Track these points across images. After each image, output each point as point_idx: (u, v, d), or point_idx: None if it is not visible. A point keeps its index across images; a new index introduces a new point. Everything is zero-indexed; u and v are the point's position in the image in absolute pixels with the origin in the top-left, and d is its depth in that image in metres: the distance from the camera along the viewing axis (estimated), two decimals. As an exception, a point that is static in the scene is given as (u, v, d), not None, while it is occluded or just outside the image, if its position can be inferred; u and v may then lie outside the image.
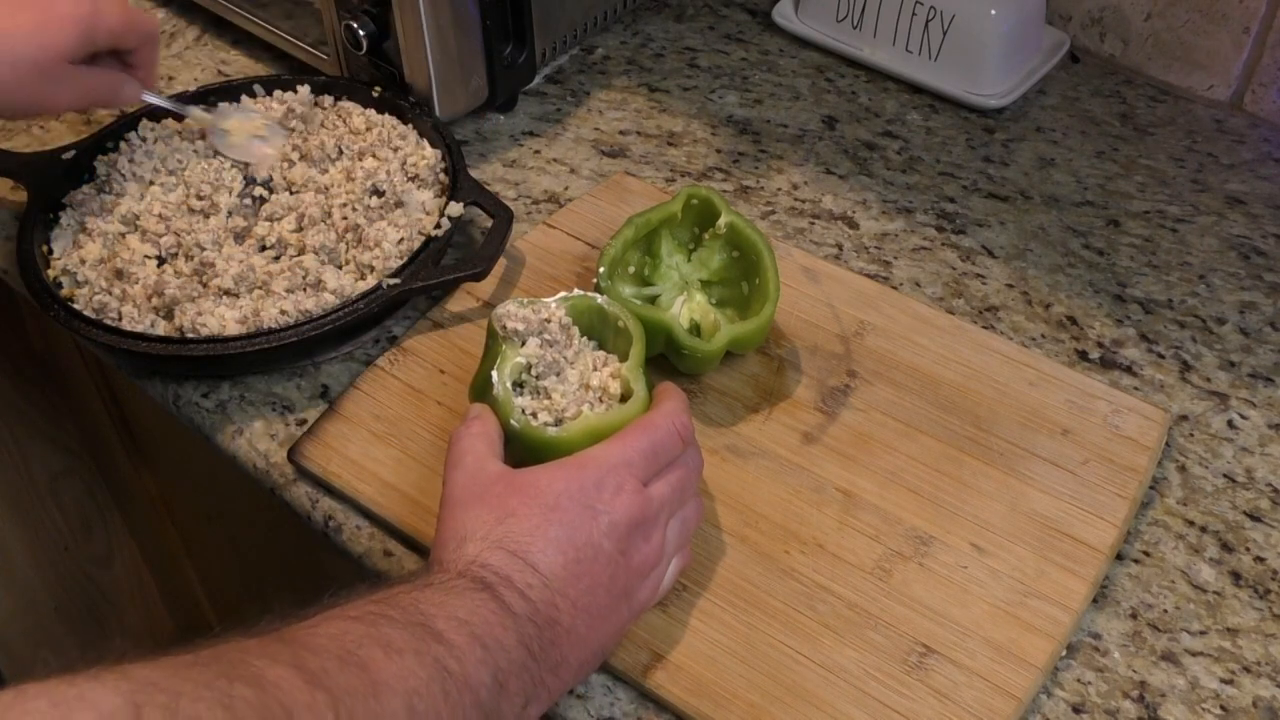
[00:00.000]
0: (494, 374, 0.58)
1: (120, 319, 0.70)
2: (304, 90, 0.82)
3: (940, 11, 0.88)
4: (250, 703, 0.39)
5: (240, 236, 0.74)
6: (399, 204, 0.74)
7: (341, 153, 0.79)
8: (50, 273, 0.72)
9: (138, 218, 0.75)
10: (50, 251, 0.73)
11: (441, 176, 0.77)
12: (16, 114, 0.72)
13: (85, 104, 0.72)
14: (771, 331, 0.71)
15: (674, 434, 0.56)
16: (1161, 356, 0.73)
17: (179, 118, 0.80)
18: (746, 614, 0.59)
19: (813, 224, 0.81)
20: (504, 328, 0.59)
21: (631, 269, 0.70)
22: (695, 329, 0.69)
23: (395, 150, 0.78)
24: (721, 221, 0.69)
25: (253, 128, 0.79)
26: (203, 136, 0.80)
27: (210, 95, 0.82)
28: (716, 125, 0.89)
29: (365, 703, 0.42)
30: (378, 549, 0.64)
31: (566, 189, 0.84)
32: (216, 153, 0.78)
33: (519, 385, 0.59)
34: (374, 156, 0.78)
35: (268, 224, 0.74)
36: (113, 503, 1.21)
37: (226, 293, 0.70)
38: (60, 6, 0.67)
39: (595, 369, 0.60)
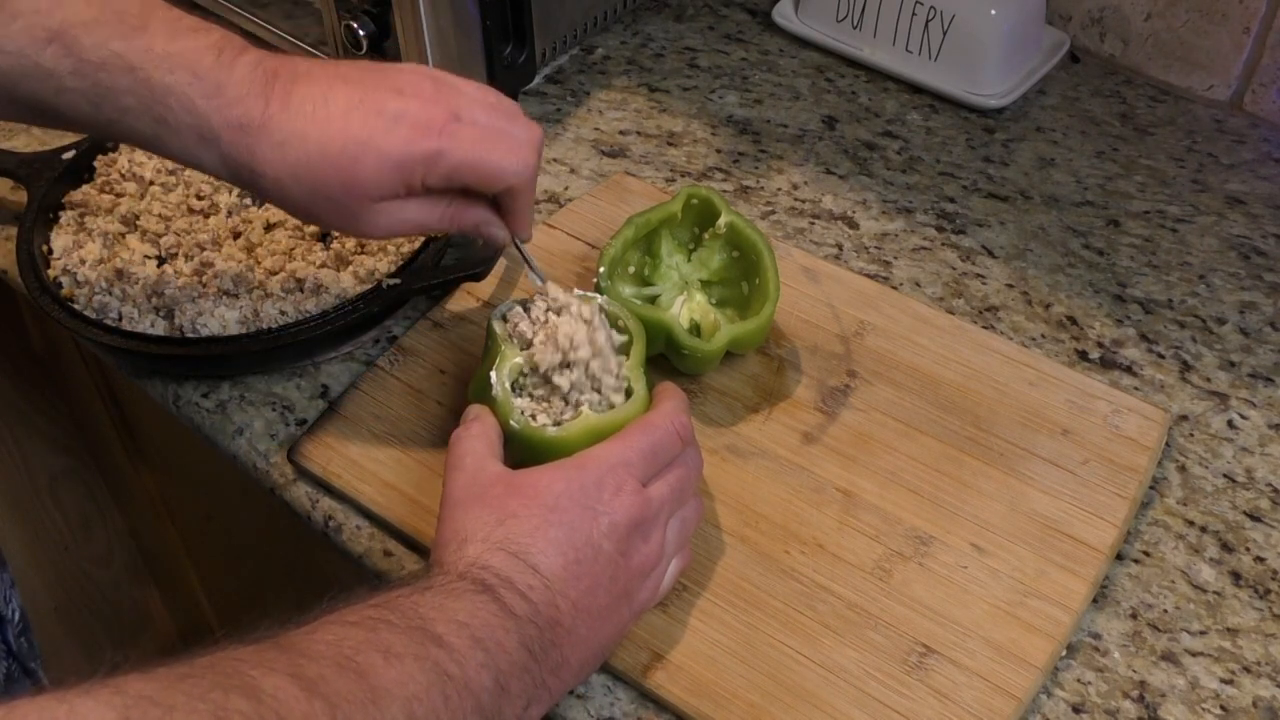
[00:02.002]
0: (493, 375, 0.58)
1: (120, 319, 0.70)
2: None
3: (940, 11, 0.88)
4: (246, 714, 0.38)
5: (240, 235, 0.74)
6: None
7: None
8: (50, 273, 0.72)
9: (138, 218, 0.75)
10: (50, 251, 0.73)
11: (441, 176, 0.77)
12: (375, 226, 0.58)
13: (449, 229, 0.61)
14: (771, 331, 0.71)
15: (674, 434, 0.56)
16: (1161, 356, 0.73)
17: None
18: (746, 614, 0.59)
19: (813, 224, 0.81)
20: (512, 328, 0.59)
21: (631, 269, 0.70)
22: (695, 329, 0.69)
23: None
24: (721, 221, 0.69)
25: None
26: None
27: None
28: (716, 125, 0.89)
29: (364, 710, 0.42)
30: (378, 549, 0.64)
31: (566, 189, 0.84)
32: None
33: (518, 386, 0.59)
34: None
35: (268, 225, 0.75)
36: (113, 503, 1.21)
37: (226, 293, 0.70)
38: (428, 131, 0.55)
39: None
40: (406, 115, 0.55)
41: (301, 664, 0.41)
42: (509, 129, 0.58)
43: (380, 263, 0.71)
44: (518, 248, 0.64)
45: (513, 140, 0.58)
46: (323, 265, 0.72)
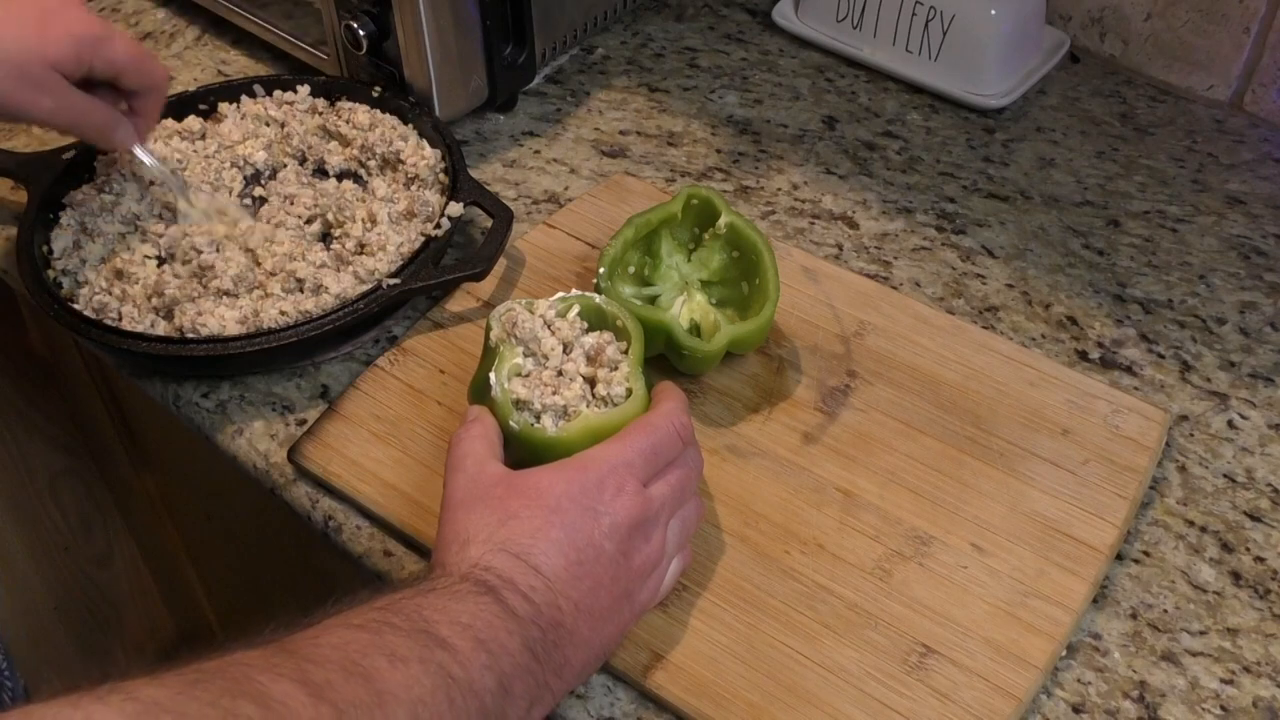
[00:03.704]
0: (492, 375, 0.58)
1: (120, 319, 0.70)
2: (304, 90, 0.82)
3: (940, 11, 0.88)
4: None
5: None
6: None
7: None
8: (50, 273, 0.72)
9: (138, 218, 0.75)
10: (50, 251, 0.73)
11: (441, 176, 0.77)
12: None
13: (70, 124, 0.69)
14: (771, 331, 0.71)
15: (674, 434, 0.56)
16: (1161, 356, 0.73)
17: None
18: (746, 614, 0.59)
19: (813, 224, 0.81)
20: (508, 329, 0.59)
21: (631, 269, 0.70)
22: (695, 329, 0.69)
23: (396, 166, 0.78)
24: (721, 221, 0.69)
25: (218, 206, 0.77)
26: (203, 136, 0.80)
27: (210, 95, 0.82)
28: (716, 125, 0.89)
29: (370, 714, 0.42)
30: (378, 549, 0.64)
31: (566, 189, 0.84)
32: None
33: (521, 404, 0.59)
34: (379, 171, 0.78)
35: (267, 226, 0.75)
36: (113, 503, 1.21)
37: (226, 293, 0.70)
38: (66, 17, 0.66)
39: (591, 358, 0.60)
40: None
41: (308, 669, 0.42)
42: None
43: (380, 263, 0.71)
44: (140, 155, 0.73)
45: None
46: (322, 265, 0.72)
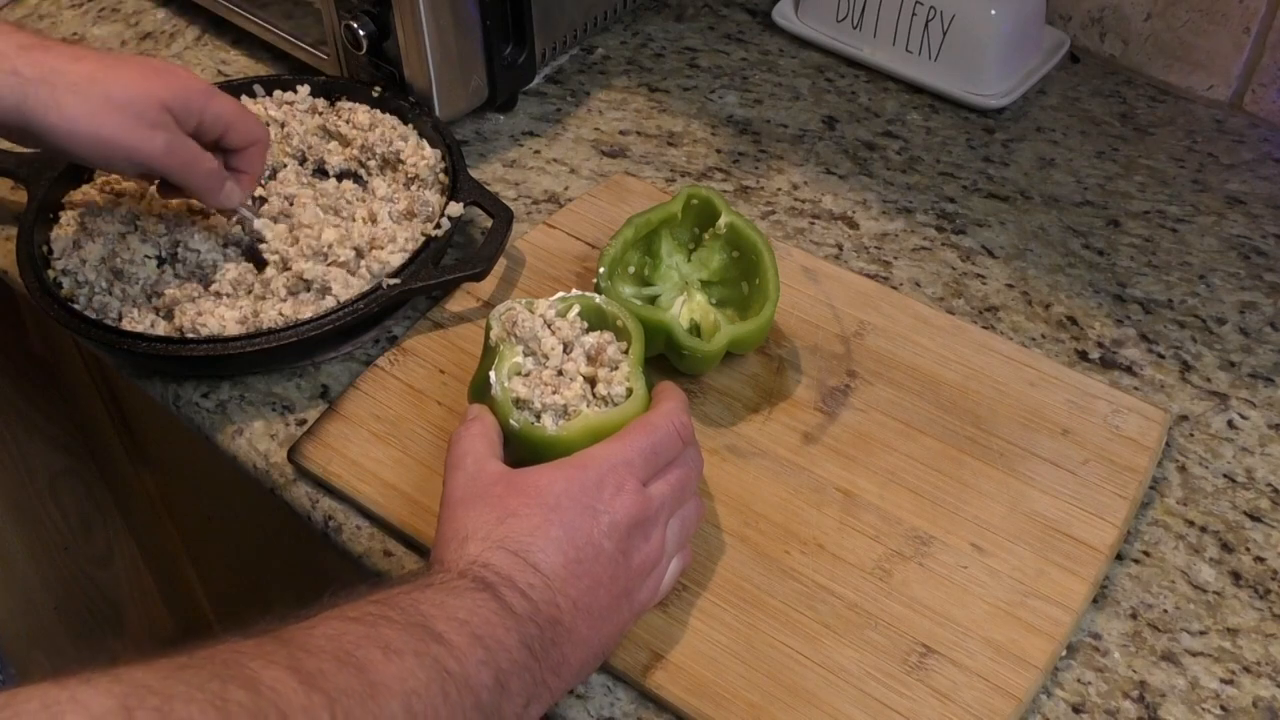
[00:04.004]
0: (492, 374, 0.58)
1: (120, 319, 0.70)
2: (304, 90, 0.82)
3: (940, 11, 0.88)
4: (244, 705, 0.38)
5: (239, 240, 0.74)
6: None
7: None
8: (50, 273, 0.72)
9: (138, 218, 0.75)
10: (50, 251, 0.73)
11: (441, 176, 0.77)
12: (104, 153, 0.65)
13: (183, 166, 0.67)
14: (771, 331, 0.71)
15: (674, 434, 0.56)
16: (1161, 356, 0.73)
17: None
18: (746, 614, 0.59)
19: (813, 224, 0.81)
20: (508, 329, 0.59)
21: (631, 269, 0.70)
22: (695, 329, 0.69)
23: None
24: (721, 221, 0.69)
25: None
26: None
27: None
28: (716, 125, 0.89)
29: (363, 704, 0.42)
30: (378, 549, 0.64)
31: (566, 189, 0.84)
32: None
33: (521, 404, 0.59)
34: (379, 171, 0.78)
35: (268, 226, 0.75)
36: (113, 503, 1.21)
37: (226, 293, 0.70)
38: (175, 71, 0.66)
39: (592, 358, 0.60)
40: None
41: (301, 657, 0.42)
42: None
43: (380, 263, 0.71)
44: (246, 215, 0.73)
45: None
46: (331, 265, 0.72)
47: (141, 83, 0.64)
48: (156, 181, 0.72)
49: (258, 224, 0.73)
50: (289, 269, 0.71)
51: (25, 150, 0.80)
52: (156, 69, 0.66)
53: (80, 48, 0.66)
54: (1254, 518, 0.65)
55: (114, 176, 0.77)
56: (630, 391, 0.59)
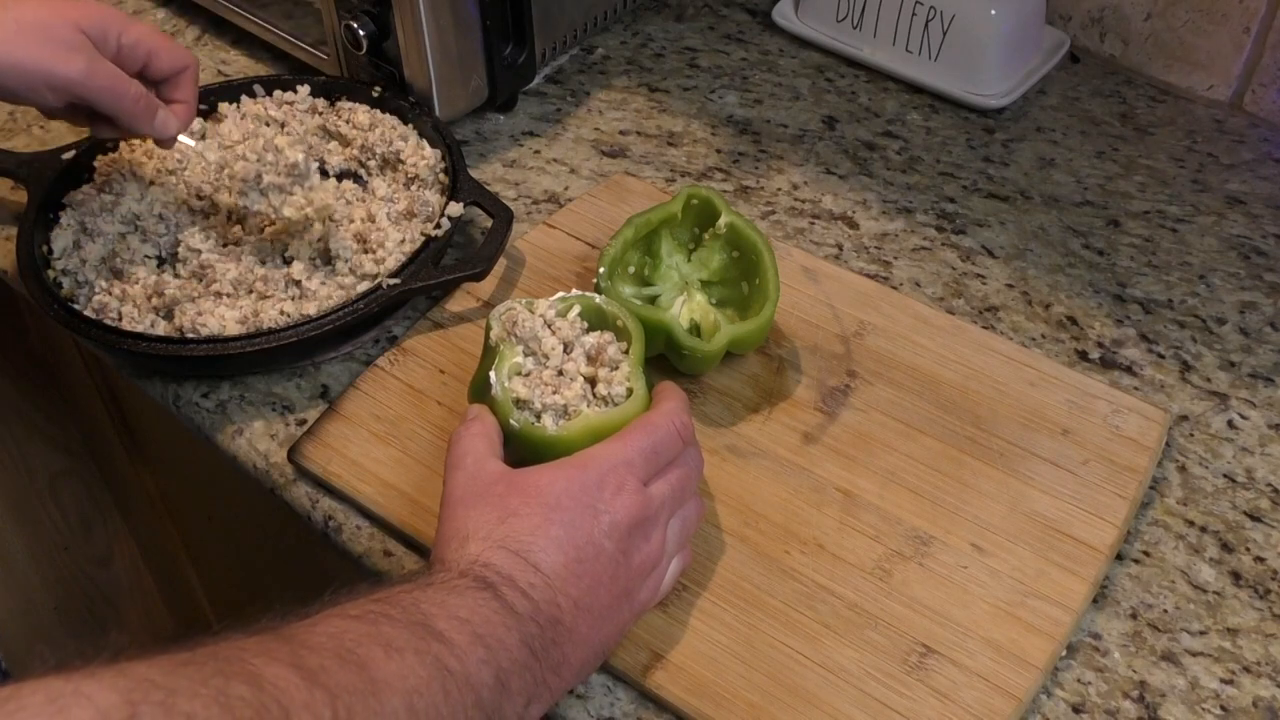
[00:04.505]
0: (492, 374, 0.58)
1: (120, 319, 0.70)
2: (304, 90, 0.82)
3: (940, 11, 0.88)
4: (247, 701, 0.38)
5: (239, 241, 0.74)
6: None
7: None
8: (50, 273, 0.72)
9: (138, 218, 0.75)
10: (50, 251, 0.73)
11: (441, 176, 0.77)
12: (22, 81, 0.63)
13: (107, 90, 0.64)
14: (771, 331, 0.71)
15: (674, 433, 0.56)
16: (1161, 356, 0.73)
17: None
18: (746, 614, 0.59)
19: (813, 224, 0.81)
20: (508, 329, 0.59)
21: (631, 269, 0.70)
22: (695, 329, 0.69)
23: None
24: (721, 221, 0.69)
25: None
26: (203, 136, 0.80)
27: (210, 95, 0.82)
28: (716, 125, 0.89)
29: (364, 701, 0.42)
30: (378, 549, 0.64)
31: (566, 189, 0.84)
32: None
33: (521, 404, 0.59)
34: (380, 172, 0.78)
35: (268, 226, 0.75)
36: (113, 503, 1.21)
37: (226, 293, 0.70)
38: (86, 2, 0.64)
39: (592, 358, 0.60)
40: None
41: (303, 654, 0.42)
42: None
43: (380, 263, 0.71)
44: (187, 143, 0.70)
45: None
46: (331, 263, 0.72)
47: (52, 5, 0.63)
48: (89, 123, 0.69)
49: (197, 146, 0.71)
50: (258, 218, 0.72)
51: (25, 150, 0.80)
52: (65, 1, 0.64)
53: None
54: (1254, 518, 0.65)
55: (114, 176, 0.77)
56: (630, 391, 0.59)
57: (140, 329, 0.69)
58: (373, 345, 0.73)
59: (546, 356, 0.60)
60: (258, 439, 0.69)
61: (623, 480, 0.53)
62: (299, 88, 0.82)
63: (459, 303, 0.74)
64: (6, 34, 0.62)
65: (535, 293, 0.74)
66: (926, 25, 0.90)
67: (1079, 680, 0.58)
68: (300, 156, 0.72)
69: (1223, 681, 0.58)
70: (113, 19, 0.65)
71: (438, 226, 0.73)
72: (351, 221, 0.74)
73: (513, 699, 0.48)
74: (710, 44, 0.98)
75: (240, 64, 0.94)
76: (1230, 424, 0.69)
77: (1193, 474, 0.67)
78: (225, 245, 0.74)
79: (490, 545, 0.50)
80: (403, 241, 0.72)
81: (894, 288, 0.76)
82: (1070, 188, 0.84)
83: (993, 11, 0.87)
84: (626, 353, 0.61)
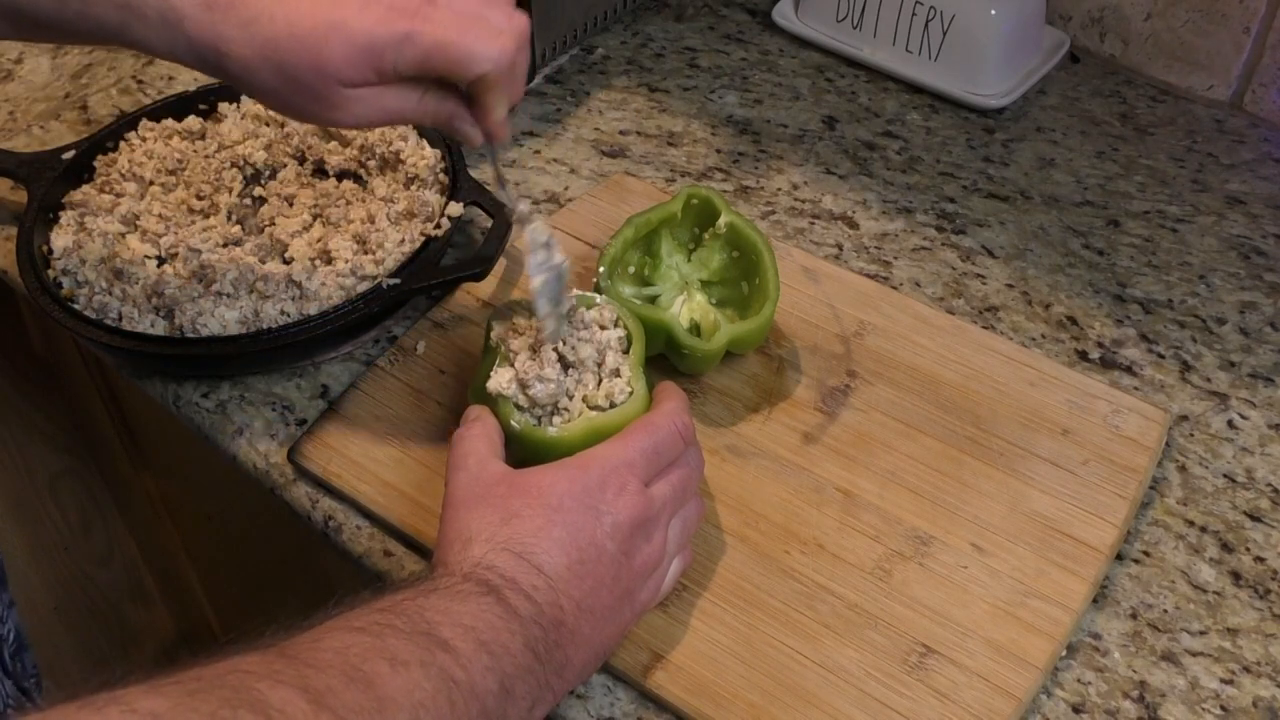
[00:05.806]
0: (493, 375, 0.58)
1: (120, 319, 0.70)
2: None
3: (940, 11, 0.88)
4: None
5: (239, 241, 0.74)
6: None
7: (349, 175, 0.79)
8: (50, 273, 0.72)
9: (138, 218, 0.75)
10: (50, 251, 0.73)
11: (441, 176, 0.77)
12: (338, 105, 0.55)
13: (423, 112, 0.57)
14: (771, 331, 0.71)
15: (675, 434, 0.56)
16: (1161, 356, 0.73)
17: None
18: (746, 614, 0.59)
19: (813, 224, 0.81)
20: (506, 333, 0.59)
21: (631, 269, 0.70)
22: (695, 329, 0.69)
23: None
24: (721, 221, 0.69)
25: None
26: (203, 136, 0.80)
27: (210, 95, 0.82)
28: (716, 125, 0.89)
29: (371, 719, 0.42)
30: (378, 549, 0.64)
31: (566, 189, 0.84)
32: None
33: (520, 408, 0.59)
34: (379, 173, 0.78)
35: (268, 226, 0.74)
36: (113, 503, 1.21)
37: (226, 293, 0.70)
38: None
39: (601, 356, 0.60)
40: None
41: (308, 675, 0.41)
42: (487, 14, 0.54)
43: (380, 263, 0.71)
44: (491, 156, 0.61)
45: (489, 26, 0.54)
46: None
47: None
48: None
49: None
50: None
51: (25, 150, 0.80)
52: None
53: None
54: (1254, 518, 0.65)
55: (114, 176, 0.77)
56: (631, 392, 0.59)
57: (140, 329, 0.69)
58: (373, 345, 0.73)
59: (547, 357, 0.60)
60: (258, 439, 0.69)
61: (624, 481, 0.53)
62: (299, 88, 0.82)
63: (459, 303, 0.74)
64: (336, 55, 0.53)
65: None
66: (926, 25, 0.90)
67: (1079, 680, 0.58)
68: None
69: (1223, 681, 0.58)
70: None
71: (437, 227, 0.73)
72: (351, 222, 0.74)
73: (517, 703, 0.48)
74: (710, 44, 0.98)
75: (240, 64, 0.94)
76: (1230, 424, 0.69)
77: (1193, 474, 0.67)
78: (225, 245, 0.74)
79: (493, 547, 0.50)
80: (402, 242, 0.72)
81: (894, 288, 0.76)
82: (1070, 188, 0.84)
83: (993, 11, 0.87)
84: (627, 353, 0.61)
